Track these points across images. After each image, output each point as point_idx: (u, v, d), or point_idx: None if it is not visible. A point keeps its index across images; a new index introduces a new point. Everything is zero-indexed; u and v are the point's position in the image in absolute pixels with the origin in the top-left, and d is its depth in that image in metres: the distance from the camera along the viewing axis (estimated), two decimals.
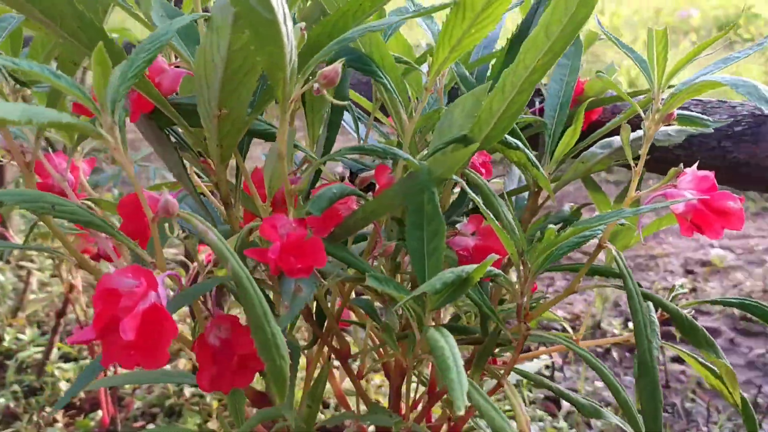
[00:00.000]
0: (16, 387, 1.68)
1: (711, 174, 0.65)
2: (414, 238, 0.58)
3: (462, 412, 0.42)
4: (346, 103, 0.70)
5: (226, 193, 0.65)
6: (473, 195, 0.63)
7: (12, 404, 1.62)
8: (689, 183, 0.65)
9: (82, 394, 1.66)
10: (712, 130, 0.77)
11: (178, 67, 0.64)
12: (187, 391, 1.58)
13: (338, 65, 0.54)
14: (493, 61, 0.78)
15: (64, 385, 1.68)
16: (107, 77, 0.46)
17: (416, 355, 0.61)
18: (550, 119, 0.81)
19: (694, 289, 2.27)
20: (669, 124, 0.67)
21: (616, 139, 0.80)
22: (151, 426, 1.50)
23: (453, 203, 0.74)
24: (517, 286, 0.62)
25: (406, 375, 0.65)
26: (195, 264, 0.66)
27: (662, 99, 0.63)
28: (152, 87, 0.58)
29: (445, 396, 0.73)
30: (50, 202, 0.50)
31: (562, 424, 1.52)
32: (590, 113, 0.89)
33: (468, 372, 0.69)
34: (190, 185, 0.67)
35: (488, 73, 0.79)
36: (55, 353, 1.78)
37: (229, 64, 0.51)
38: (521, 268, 0.63)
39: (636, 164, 0.66)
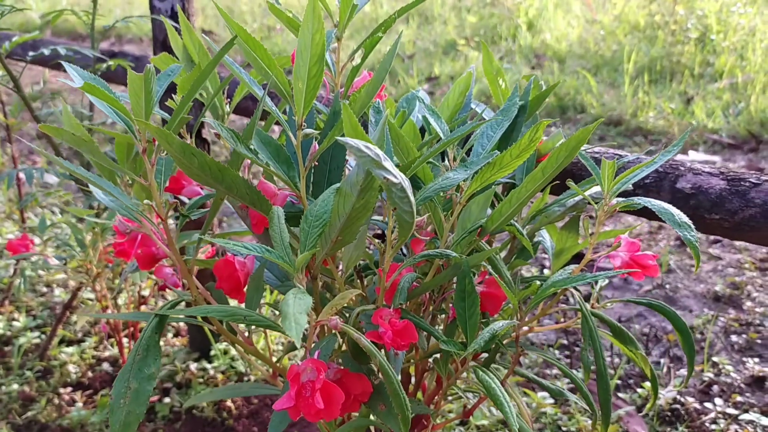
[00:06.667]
0: (26, 372, 1.87)
1: (638, 241, 0.99)
2: (460, 307, 0.88)
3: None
4: None
5: (315, 275, 0.93)
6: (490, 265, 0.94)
7: (26, 389, 1.82)
8: (624, 247, 0.99)
9: (90, 374, 1.89)
10: None
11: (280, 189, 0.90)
12: (193, 366, 1.85)
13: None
14: None
15: (72, 368, 1.90)
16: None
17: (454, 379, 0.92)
18: None
19: None
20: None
21: (568, 201, 1.13)
22: (167, 399, 1.76)
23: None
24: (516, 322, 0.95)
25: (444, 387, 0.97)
26: None
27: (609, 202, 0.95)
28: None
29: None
30: (243, 314, 0.77)
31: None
32: (540, 159, 1.22)
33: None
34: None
35: None
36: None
37: (351, 214, 0.79)
38: (518, 310, 0.95)
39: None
